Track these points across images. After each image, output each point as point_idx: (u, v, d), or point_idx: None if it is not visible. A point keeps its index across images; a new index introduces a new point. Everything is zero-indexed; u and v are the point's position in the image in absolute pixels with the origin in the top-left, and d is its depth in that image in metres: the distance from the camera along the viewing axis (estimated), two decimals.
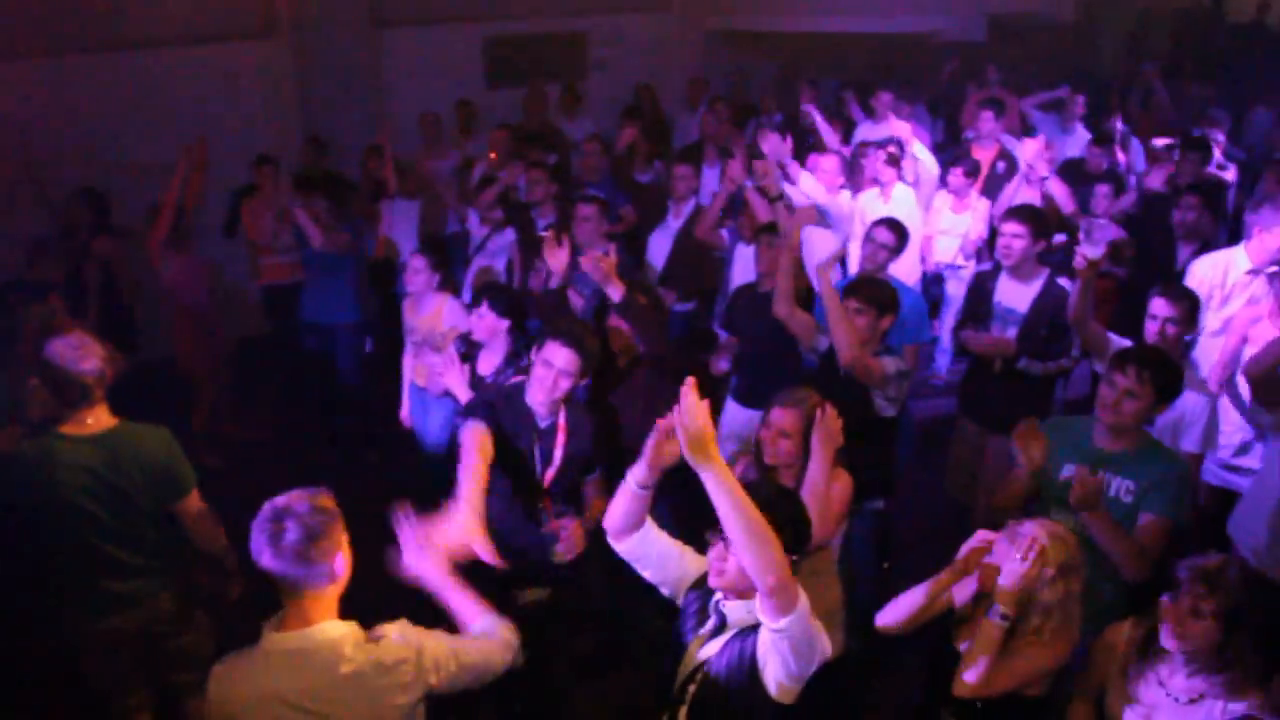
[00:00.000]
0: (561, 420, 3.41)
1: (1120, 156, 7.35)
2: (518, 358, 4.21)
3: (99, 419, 3.20)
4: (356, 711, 2.25)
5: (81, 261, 5.65)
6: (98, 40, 6.97)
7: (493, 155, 6.93)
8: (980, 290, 4.74)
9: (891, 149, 6.31)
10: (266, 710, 2.22)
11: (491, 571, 3.20)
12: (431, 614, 2.48)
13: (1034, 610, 2.65)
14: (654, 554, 2.58)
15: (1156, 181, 6.77)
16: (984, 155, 7.04)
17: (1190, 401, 3.77)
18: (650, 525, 2.55)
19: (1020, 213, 4.64)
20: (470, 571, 3.25)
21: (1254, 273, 4.56)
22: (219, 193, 6.76)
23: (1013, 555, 2.65)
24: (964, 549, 2.78)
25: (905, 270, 5.66)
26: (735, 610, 2.43)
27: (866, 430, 3.78)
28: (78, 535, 3.17)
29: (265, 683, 2.22)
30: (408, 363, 5.16)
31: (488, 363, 4.30)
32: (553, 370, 3.26)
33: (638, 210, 6.62)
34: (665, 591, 2.66)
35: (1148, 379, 3.16)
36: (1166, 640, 2.57)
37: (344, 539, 2.31)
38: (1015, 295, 4.56)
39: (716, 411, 4.93)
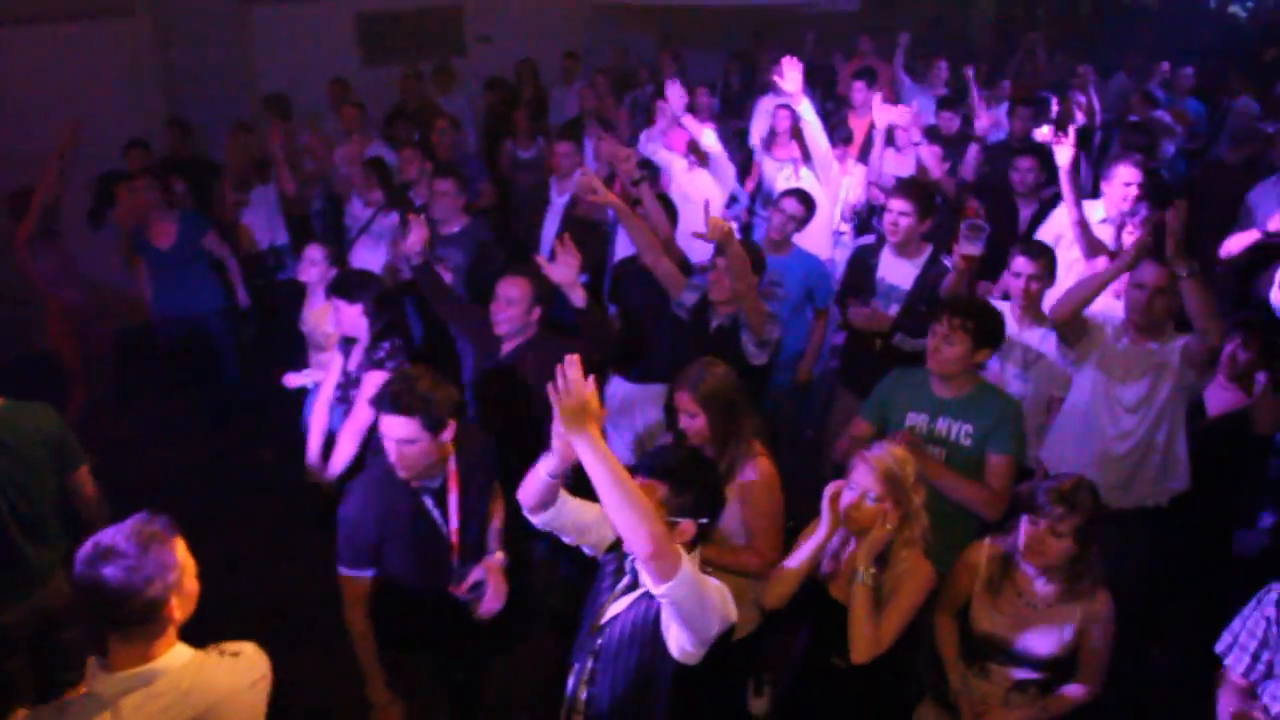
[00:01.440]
0: (452, 468, 3.11)
1: (985, 119, 7.59)
2: (381, 340, 4.10)
3: None
4: None
5: None
6: None
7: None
8: (862, 265, 4.74)
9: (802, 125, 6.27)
10: None
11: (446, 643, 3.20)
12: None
13: (913, 523, 2.80)
14: (570, 523, 2.62)
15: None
16: (860, 124, 7.21)
17: (1056, 348, 3.98)
18: (565, 498, 2.58)
19: (908, 189, 4.65)
20: (409, 642, 3.23)
21: (1105, 221, 4.86)
22: (78, 180, 6.43)
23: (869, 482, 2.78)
24: (825, 503, 2.85)
25: (820, 244, 5.74)
26: None
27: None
28: None
29: None
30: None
31: (355, 358, 4.19)
32: (392, 442, 2.92)
33: (515, 187, 6.59)
34: (588, 551, 2.70)
35: (958, 325, 3.37)
36: (1027, 559, 2.76)
37: (182, 576, 2.10)
38: (899, 272, 4.60)
39: (601, 385, 4.97)
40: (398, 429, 2.88)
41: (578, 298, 3.85)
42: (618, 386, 4.90)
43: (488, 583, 3.09)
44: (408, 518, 3.04)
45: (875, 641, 2.72)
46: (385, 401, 2.90)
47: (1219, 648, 2.69)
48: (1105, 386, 3.75)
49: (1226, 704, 2.66)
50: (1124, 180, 4.80)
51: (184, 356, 6.01)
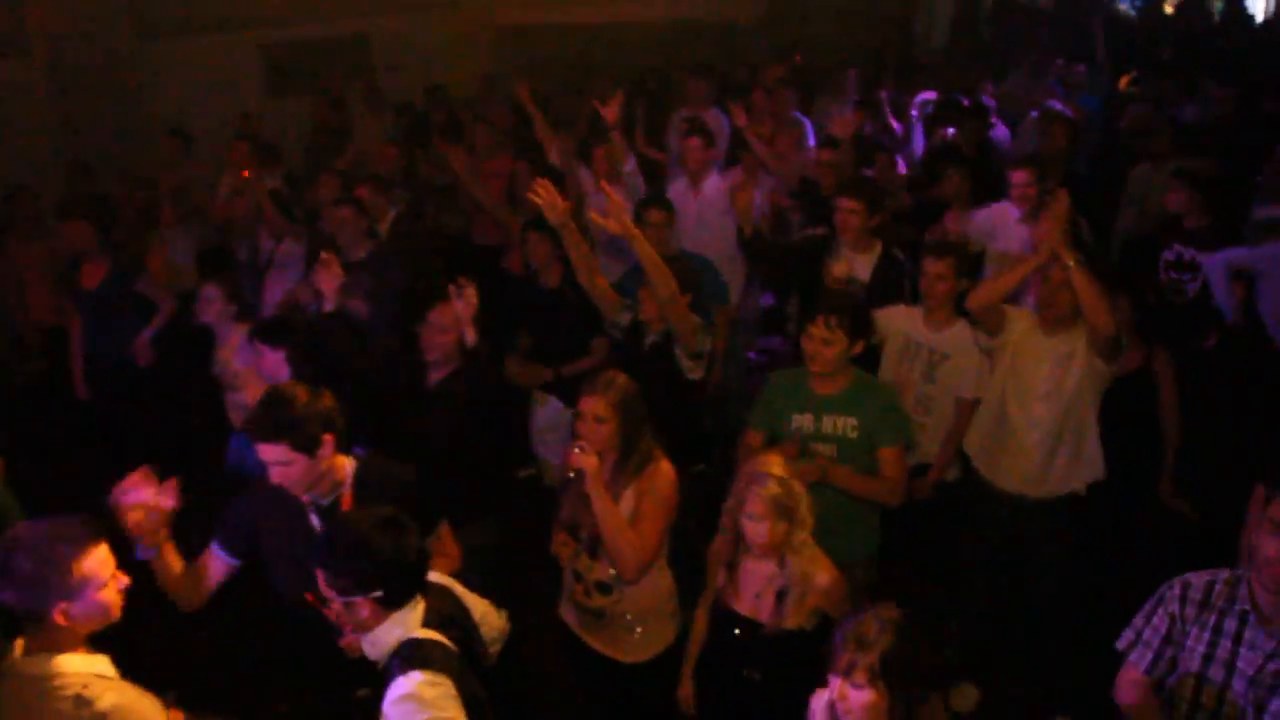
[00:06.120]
0: (346, 490, 3.03)
1: (896, 126, 7.77)
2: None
3: None
4: None
5: None
6: None
7: (245, 174, 6.58)
8: (812, 257, 4.84)
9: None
10: None
11: (328, 671, 3.05)
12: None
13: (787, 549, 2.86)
14: None
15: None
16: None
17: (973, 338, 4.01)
18: None
19: (855, 188, 4.79)
20: (304, 672, 3.17)
21: (1021, 220, 5.05)
22: None
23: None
24: None
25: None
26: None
27: (675, 396, 3.94)
28: None
29: None
30: None
31: None
32: (272, 466, 2.92)
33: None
34: None
35: (835, 324, 3.48)
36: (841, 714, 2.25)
37: (84, 588, 2.17)
38: (856, 266, 4.70)
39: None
40: (268, 454, 2.90)
41: (469, 337, 3.90)
42: (553, 408, 4.91)
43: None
44: (288, 529, 3.00)
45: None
46: (251, 431, 2.92)
47: (1120, 645, 2.64)
48: (1016, 376, 3.81)
49: (1128, 696, 2.61)
50: (1016, 183, 5.09)
51: (107, 402, 5.71)
